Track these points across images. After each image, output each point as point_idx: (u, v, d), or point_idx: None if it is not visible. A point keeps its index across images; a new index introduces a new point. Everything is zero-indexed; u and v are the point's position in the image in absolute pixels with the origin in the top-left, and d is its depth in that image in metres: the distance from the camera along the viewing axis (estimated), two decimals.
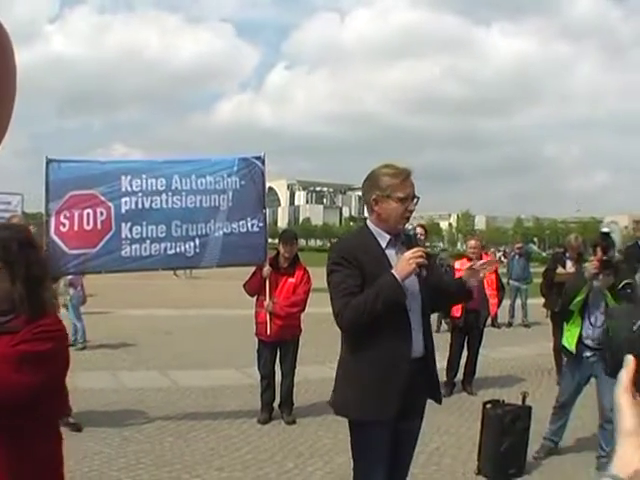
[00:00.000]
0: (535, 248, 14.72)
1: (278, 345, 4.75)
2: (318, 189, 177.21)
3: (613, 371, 0.77)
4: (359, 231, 2.39)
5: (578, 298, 3.73)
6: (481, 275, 2.37)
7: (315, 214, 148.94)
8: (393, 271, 2.14)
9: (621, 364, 0.75)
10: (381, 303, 2.10)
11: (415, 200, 2.26)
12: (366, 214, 2.38)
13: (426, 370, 2.27)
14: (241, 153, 4.72)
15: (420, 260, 2.13)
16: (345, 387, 2.25)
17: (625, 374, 0.73)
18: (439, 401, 2.37)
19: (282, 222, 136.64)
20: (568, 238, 6.26)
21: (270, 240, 4.86)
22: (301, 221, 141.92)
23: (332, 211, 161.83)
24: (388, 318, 2.12)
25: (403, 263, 2.12)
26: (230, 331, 8.87)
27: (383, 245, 2.28)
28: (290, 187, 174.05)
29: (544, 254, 46.49)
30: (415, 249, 2.16)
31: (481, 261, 2.46)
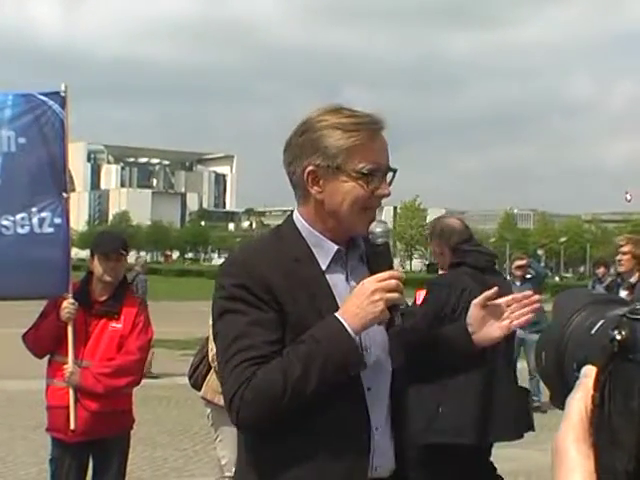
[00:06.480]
0: (540, 266, 15.75)
1: (90, 450, 4.74)
2: (143, 161, 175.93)
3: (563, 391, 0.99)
4: (277, 235, 2.38)
5: None
6: (514, 324, 2.34)
7: (138, 205, 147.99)
8: (339, 314, 2.11)
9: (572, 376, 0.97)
10: (317, 378, 2.06)
11: (391, 176, 2.24)
12: (289, 205, 2.33)
13: None
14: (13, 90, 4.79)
15: (394, 296, 2.09)
16: None
17: (582, 395, 0.92)
18: None
19: (78, 220, 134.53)
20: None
21: (77, 251, 4.77)
22: (111, 218, 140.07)
23: (169, 200, 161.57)
24: (328, 406, 2.10)
25: (362, 299, 2.10)
26: None
27: (323, 264, 2.26)
28: (92, 157, 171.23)
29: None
30: (386, 273, 2.13)
31: (510, 296, 2.40)
